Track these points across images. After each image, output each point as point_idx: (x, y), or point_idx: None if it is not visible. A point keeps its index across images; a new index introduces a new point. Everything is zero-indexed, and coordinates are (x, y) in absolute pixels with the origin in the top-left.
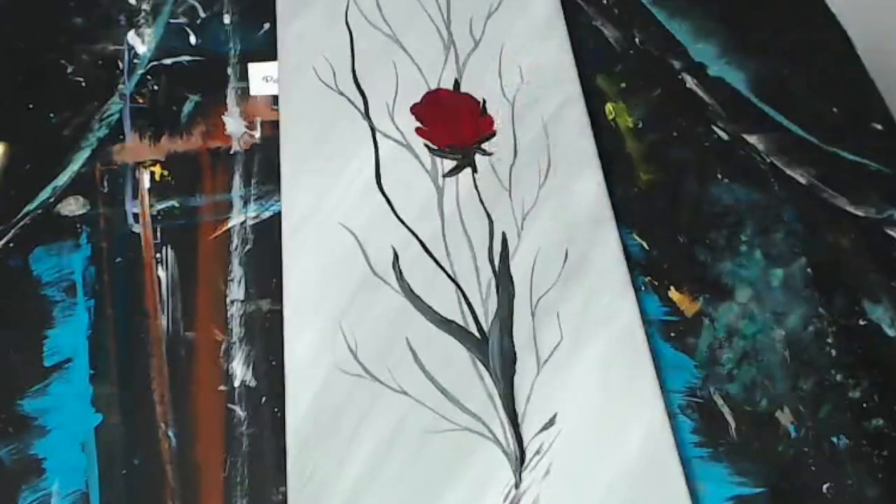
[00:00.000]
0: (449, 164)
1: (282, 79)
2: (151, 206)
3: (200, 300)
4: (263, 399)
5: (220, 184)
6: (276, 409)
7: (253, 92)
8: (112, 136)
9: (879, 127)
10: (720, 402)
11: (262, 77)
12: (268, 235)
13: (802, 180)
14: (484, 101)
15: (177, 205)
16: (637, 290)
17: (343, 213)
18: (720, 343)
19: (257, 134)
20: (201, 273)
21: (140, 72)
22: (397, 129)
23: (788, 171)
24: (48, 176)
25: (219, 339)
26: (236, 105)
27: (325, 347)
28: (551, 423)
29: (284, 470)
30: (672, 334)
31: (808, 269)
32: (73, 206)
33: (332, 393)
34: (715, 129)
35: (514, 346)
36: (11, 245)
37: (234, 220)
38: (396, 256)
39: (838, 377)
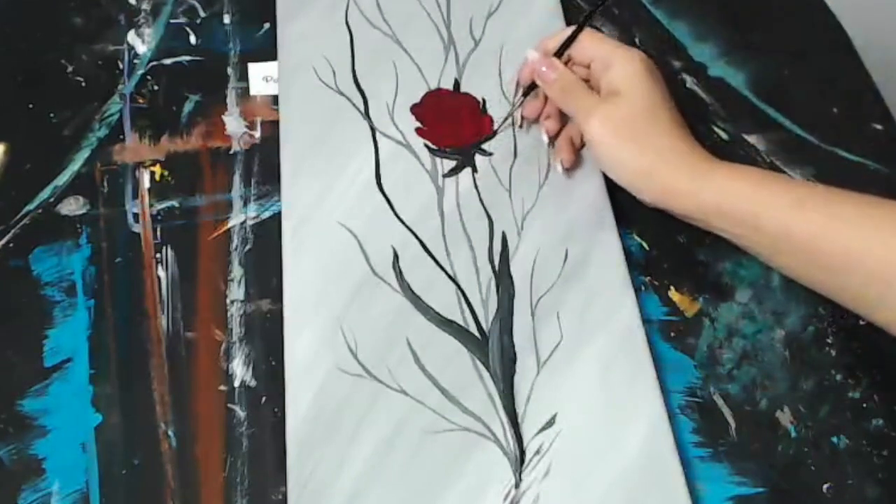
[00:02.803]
0: (449, 164)
1: (282, 79)
2: (151, 206)
3: (200, 300)
4: (263, 399)
5: (220, 184)
6: (276, 409)
7: (253, 92)
8: (112, 136)
9: (879, 127)
10: (720, 402)
11: (262, 77)
12: (268, 235)
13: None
14: (484, 101)
15: (177, 205)
16: (637, 290)
17: (343, 213)
18: (720, 343)
19: (257, 134)
20: (201, 273)
21: (140, 72)
22: (397, 129)
23: (788, 171)
24: (48, 176)
25: (219, 339)
26: (236, 105)
27: (325, 347)
28: (551, 423)
29: (284, 470)
30: (672, 334)
31: None
32: (73, 206)
33: (332, 393)
34: (715, 129)
35: (514, 346)
36: (11, 245)
37: (234, 220)
38: (396, 256)
39: (838, 377)
